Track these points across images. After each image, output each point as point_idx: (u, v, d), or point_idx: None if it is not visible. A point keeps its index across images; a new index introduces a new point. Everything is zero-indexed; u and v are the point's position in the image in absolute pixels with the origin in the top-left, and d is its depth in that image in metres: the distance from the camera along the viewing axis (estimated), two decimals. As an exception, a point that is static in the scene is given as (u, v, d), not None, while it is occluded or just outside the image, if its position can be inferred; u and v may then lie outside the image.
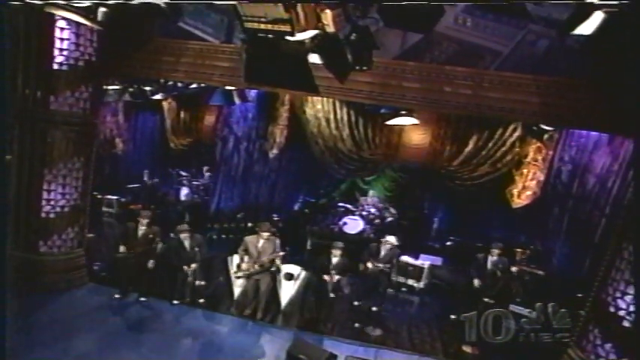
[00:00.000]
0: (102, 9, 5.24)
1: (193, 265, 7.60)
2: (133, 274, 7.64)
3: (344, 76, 4.01)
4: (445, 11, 5.43)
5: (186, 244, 7.61)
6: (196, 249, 7.64)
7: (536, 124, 8.66)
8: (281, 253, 7.50)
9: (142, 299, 7.64)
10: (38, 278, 7.38)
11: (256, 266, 7.29)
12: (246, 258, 7.33)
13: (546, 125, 8.56)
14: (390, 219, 11.33)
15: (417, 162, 11.11)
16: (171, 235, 8.65)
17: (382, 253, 7.85)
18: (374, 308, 7.75)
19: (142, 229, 7.50)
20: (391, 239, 8.00)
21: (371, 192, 12.13)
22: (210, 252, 8.62)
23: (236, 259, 7.57)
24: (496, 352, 6.48)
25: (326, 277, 7.47)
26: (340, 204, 11.91)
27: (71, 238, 7.72)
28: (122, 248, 7.40)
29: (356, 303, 7.96)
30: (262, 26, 3.44)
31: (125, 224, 7.92)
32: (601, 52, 5.60)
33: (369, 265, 7.69)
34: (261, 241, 7.32)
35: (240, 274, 7.43)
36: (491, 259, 7.55)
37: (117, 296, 7.60)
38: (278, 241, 7.53)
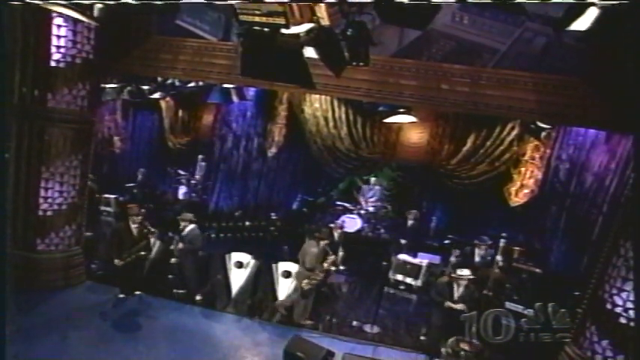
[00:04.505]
0: (98, 5, 5.24)
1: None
2: (136, 273, 7.63)
3: (340, 70, 4.01)
4: (442, 8, 5.43)
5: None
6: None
7: (533, 121, 8.66)
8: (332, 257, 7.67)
9: (137, 292, 7.64)
10: (36, 276, 7.39)
11: (320, 274, 7.32)
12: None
13: (544, 123, 8.55)
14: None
15: (415, 161, 11.11)
16: (170, 234, 8.63)
17: (457, 290, 6.68)
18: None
19: (135, 227, 7.46)
20: (464, 272, 6.75)
21: (373, 180, 12.17)
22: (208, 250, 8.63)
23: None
24: (496, 352, 6.47)
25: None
26: (338, 203, 11.92)
27: (69, 236, 7.71)
28: (117, 261, 7.22)
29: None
30: (257, 19, 3.46)
31: (116, 227, 7.91)
32: (598, 49, 5.61)
33: (450, 304, 6.60)
34: (316, 249, 7.40)
35: (305, 283, 7.25)
36: (479, 252, 7.58)
37: (121, 296, 7.53)
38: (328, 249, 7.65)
